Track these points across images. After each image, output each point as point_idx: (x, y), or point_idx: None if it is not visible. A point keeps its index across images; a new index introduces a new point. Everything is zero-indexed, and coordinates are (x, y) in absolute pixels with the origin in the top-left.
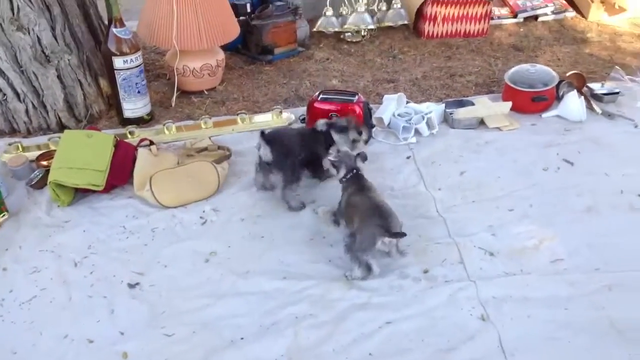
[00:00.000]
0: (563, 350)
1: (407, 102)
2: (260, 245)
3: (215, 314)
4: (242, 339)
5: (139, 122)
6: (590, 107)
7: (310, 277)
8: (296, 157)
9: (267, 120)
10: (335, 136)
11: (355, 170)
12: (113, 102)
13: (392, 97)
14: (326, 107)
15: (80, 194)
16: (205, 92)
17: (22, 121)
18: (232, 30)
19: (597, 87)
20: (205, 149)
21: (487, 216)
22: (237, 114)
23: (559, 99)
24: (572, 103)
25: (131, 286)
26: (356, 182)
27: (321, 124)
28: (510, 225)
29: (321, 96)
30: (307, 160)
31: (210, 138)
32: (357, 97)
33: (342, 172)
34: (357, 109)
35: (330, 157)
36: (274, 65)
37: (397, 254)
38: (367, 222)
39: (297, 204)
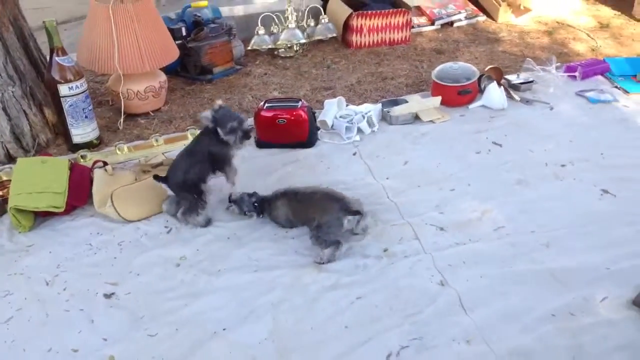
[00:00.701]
0: (513, 301)
1: (347, 105)
2: (227, 245)
3: (194, 310)
4: (224, 329)
5: (88, 146)
6: (509, 96)
7: (280, 267)
8: (190, 179)
9: None
10: (225, 136)
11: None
12: (59, 130)
13: (333, 101)
14: (272, 114)
15: (40, 218)
16: (151, 113)
17: None
18: (172, 51)
19: (513, 78)
20: (161, 164)
21: (432, 197)
22: (187, 130)
23: (481, 91)
24: (494, 93)
25: (107, 296)
26: (274, 194)
27: (205, 117)
28: (454, 202)
29: (267, 105)
30: (209, 166)
31: (164, 154)
32: (300, 102)
33: (245, 207)
34: (302, 114)
35: (230, 202)
36: (214, 84)
37: (361, 232)
38: (328, 209)
39: (201, 220)
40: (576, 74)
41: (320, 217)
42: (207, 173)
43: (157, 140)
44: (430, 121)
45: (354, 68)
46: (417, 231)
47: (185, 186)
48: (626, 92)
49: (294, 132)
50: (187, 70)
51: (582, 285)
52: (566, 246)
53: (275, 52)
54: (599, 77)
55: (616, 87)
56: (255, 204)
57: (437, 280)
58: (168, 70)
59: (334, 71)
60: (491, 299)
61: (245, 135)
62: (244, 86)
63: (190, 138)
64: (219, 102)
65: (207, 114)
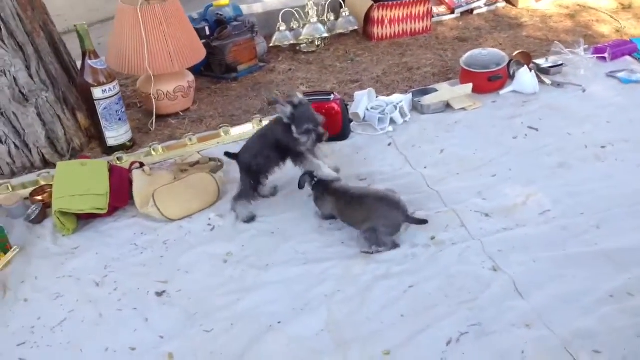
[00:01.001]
0: (569, 284)
1: (377, 97)
2: (273, 240)
3: (247, 305)
4: (279, 322)
5: (122, 149)
6: (540, 80)
7: (329, 259)
8: (255, 164)
9: (249, 130)
10: (298, 135)
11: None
12: (92, 134)
13: (363, 93)
14: None
15: (82, 221)
16: (181, 113)
17: (5, 162)
18: (200, 51)
19: (542, 62)
20: (197, 162)
21: (474, 184)
22: (220, 128)
23: (511, 77)
24: (526, 77)
25: (159, 294)
26: (325, 185)
27: (284, 112)
28: (497, 188)
29: None
30: (278, 156)
31: (199, 153)
32: (332, 95)
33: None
34: (336, 106)
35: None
36: (239, 82)
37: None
38: (387, 215)
39: (246, 215)
40: (605, 55)
41: (376, 221)
42: (273, 164)
43: (190, 140)
44: (462, 109)
45: (377, 60)
46: (462, 218)
47: (251, 170)
48: None
49: (328, 125)
50: (211, 69)
51: (637, 265)
52: (617, 227)
53: (297, 48)
54: (628, 58)
55: None
56: (314, 182)
57: (489, 266)
58: (194, 70)
59: (358, 64)
60: (547, 282)
61: (319, 138)
62: (270, 82)
63: (224, 136)
64: (299, 95)
65: (287, 109)
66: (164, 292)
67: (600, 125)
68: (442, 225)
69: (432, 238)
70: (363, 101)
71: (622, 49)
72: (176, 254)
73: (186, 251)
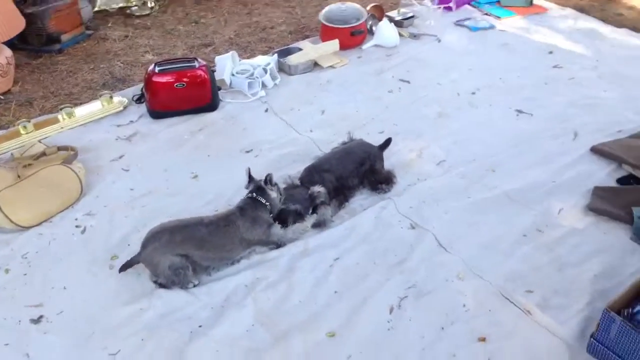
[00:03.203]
0: (485, 230)
1: (240, 60)
2: None
3: (154, 314)
4: (200, 326)
5: None
6: (398, 33)
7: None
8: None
9: (98, 108)
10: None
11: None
12: None
13: (226, 57)
14: (168, 78)
15: None
16: (1, 97)
17: None
18: (17, 21)
19: (394, 14)
20: (43, 154)
21: None
22: (60, 110)
23: (370, 31)
24: (387, 31)
25: (35, 321)
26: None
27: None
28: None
29: (158, 68)
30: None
31: (40, 142)
32: (197, 61)
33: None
34: (203, 74)
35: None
36: (67, 54)
37: None
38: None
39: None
40: (451, 4)
41: None
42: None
43: (25, 127)
44: (330, 67)
45: (225, 21)
46: None
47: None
48: (498, 17)
49: (195, 95)
50: (27, 41)
51: (537, 202)
52: (509, 168)
53: (128, 11)
54: (468, 7)
55: (486, 14)
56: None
57: (407, 224)
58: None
59: (204, 26)
60: (464, 233)
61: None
62: (106, 52)
63: (67, 119)
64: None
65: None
66: (41, 317)
67: (464, 73)
68: None
69: (343, 207)
70: (227, 66)
71: None
72: (44, 269)
73: (56, 263)
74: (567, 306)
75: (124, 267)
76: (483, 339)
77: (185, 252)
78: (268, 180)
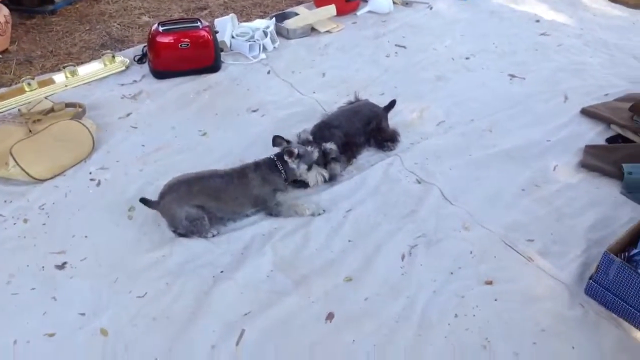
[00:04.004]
0: (487, 184)
1: (239, 23)
2: None
3: (178, 260)
4: (222, 272)
5: None
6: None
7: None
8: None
9: (100, 68)
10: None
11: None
12: None
13: (226, 19)
14: (172, 38)
15: None
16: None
17: None
18: None
19: None
20: (51, 109)
21: None
22: (64, 68)
23: None
24: None
25: (59, 267)
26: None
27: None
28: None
29: (162, 28)
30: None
31: (47, 98)
32: (200, 22)
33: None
34: (206, 34)
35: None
36: (60, 15)
37: None
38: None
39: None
40: None
41: None
42: None
43: (29, 84)
44: (327, 31)
45: None
46: None
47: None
48: None
49: (198, 56)
50: (20, 2)
51: (534, 159)
52: (506, 128)
53: None
54: None
55: None
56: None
57: (413, 180)
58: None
59: None
60: (467, 187)
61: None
62: (100, 14)
63: (70, 77)
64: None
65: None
66: (64, 263)
67: (457, 39)
68: None
69: (351, 163)
70: (227, 28)
71: None
72: (63, 219)
73: (74, 214)
74: (566, 253)
75: (143, 200)
76: (490, 282)
77: (201, 203)
78: (296, 154)
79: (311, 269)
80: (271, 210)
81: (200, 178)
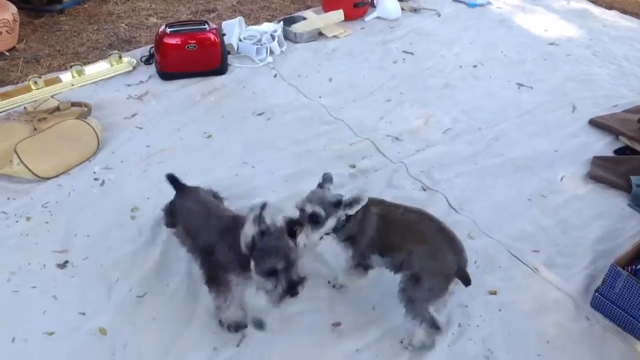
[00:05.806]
0: (493, 193)
1: (246, 26)
2: None
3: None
4: None
5: None
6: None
7: None
8: None
9: (107, 68)
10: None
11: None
12: None
13: (233, 22)
14: (179, 39)
15: None
16: (7, 53)
17: None
18: None
19: None
20: (57, 108)
21: (374, 110)
22: (70, 67)
23: (372, 4)
24: (390, 3)
25: (60, 266)
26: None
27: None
28: (396, 112)
29: (169, 29)
30: None
31: (53, 97)
32: (207, 25)
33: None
34: (213, 37)
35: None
36: (69, 15)
37: None
38: (437, 255)
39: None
40: None
41: (423, 263)
42: None
43: (36, 83)
44: (335, 36)
45: None
46: (377, 144)
47: None
48: None
49: (205, 58)
50: (28, 1)
51: (541, 169)
52: (513, 137)
53: None
54: None
55: None
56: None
57: (418, 187)
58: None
59: None
60: (472, 196)
61: (290, 289)
62: (109, 14)
63: (77, 76)
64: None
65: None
66: (66, 262)
67: (465, 46)
68: (360, 154)
69: (353, 166)
70: (235, 31)
71: None
72: (66, 218)
73: (77, 213)
74: (572, 265)
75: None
76: (494, 292)
77: None
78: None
79: (315, 276)
80: None
81: None
